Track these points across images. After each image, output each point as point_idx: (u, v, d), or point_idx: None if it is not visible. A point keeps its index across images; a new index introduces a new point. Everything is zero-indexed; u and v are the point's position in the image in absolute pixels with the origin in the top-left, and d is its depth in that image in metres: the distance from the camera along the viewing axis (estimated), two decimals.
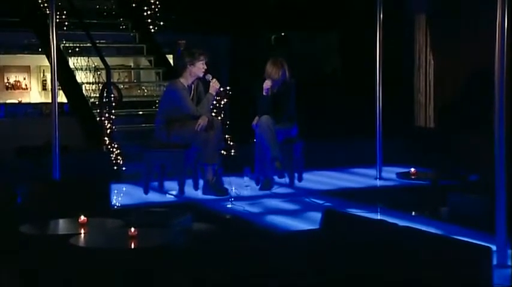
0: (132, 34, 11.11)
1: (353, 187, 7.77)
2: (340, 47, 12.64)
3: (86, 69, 9.79)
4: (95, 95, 9.53)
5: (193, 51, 7.35)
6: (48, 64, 9.49)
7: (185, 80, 7.33)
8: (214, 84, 7.34)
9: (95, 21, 10.74)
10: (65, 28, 10.02)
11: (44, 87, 12.15)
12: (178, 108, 7.25)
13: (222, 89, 8.84)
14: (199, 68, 7.28)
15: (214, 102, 8.87)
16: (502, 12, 4.75)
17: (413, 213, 6.28)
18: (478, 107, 8.38)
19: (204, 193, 7.23)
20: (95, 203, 5.35)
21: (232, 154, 8.84)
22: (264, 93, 7.59)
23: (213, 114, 8.73)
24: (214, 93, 7.40)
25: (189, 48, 7.58)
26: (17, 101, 11.98)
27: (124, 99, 9.68)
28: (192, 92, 7.35)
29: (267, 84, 7.60)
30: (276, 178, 7.66)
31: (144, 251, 4.23)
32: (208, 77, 7.33)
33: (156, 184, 7.50)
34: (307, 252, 3.94)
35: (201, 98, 7.37)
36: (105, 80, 9.04)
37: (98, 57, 9.40)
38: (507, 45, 4.78)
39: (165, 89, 7.86)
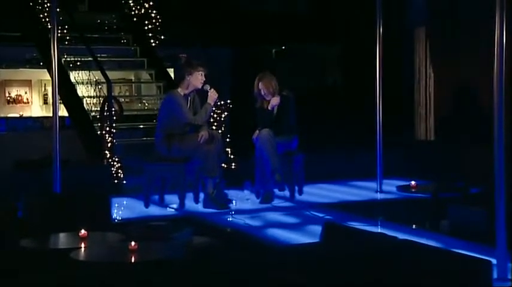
0: (133, 48, 11.15)
1: (353, 200, 7.75)
2: (341, 60, 12.67)
3: (87, 83, 9.82)
4: (95, 108, 9.54)
5: (192, 62, 7.37)
6: (49, 78, 9.51)
7: (183, 90, 7.33)
8: (213, 94, 7.32)
9: (96, 35, 10.79)
10: (66, 42, 10.06)
11: (45, 101, 12.17)
12: (176, 117, 7.24)
13: (222, 102, 8.86)
14: (197, 78, 7.27)
15: (215, 115, 8.90)
16: (500, 25, 4.77)
17: (413, 226, 6.26)
18: (478, 119, 8.38)
19: (204, 207, 7.22)
20: (96, 216, 5.35)
21: (232, 167, 8.84)
22: (270, 109, 7.62)
23: (214, 127, 8.74)
24: (212, 103, 7.37)
25: (189, 60, 7.59)
26: (18, 115, 11.99)
27: (125, 113, 9.71)
28: (189, 103, 7.35)
29: (276, 100, 7.61)
30: (276, 191, 7.65)
31: (144, 265, 4.23)
32: (207, 87, 7.33)
33: (156, 197, 7.49)
34: (308, 265, 3.93)
35: (197, 110, 7.36)
36: (106, 94, 9.06)
37: (99, 71, 9.43)
38: (506, 58, 4.79)
39: (163, 99, 7.87)
